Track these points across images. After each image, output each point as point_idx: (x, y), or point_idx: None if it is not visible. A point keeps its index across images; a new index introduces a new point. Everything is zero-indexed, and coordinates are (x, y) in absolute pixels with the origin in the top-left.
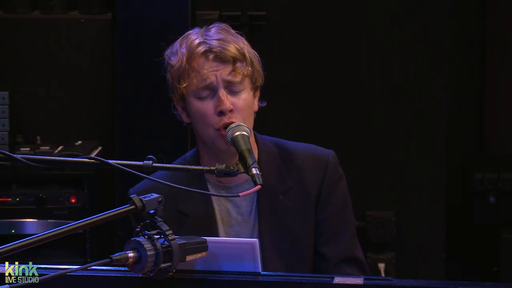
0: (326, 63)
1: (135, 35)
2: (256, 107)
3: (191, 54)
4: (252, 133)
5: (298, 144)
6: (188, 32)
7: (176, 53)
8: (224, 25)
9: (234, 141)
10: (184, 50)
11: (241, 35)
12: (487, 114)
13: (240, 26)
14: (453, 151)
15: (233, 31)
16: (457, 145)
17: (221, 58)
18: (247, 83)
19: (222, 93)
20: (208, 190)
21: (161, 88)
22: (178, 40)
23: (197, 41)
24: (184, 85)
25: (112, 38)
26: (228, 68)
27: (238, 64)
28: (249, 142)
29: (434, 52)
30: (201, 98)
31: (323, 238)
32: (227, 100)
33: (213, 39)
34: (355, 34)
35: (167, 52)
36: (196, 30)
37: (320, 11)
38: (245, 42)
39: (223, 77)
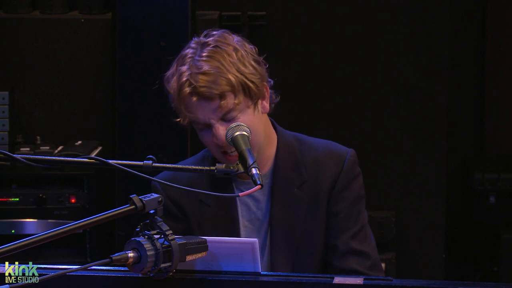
0: (326, 63)
1: (135, 35)
2: (266, 109)
3: (179, 92)
4: (270, 125)
5: (318, 139)
6: (182, 53)
7: (170, 81)
8: (219, 39)
9: (234, 141)
10: (174, 84)
11: (241, 41)
12: (487, 114)
13: (240, 26)
14: (453, 151)
15: (229, 40)
16: (457, 145)
17: (206, 97)
18: (242, 105)
19: (216, 127)
20: (231, 185)
21: (161, 88)
22: (174, 63)
23: (184, 78)
24: (181, 118)
25: (112, 38)
26: (216, 104)
27: (226, 99)
28: (249, 142)
29: (434, 52)
30: (200, 129)
31: (333, 231)
32: (222, 133)
33: (200, 73)
34: (355, 34)
35: (166, 75)
36: (191, 49)
37: (320, 11)
38: (243, 53)
39: (211, 114)
